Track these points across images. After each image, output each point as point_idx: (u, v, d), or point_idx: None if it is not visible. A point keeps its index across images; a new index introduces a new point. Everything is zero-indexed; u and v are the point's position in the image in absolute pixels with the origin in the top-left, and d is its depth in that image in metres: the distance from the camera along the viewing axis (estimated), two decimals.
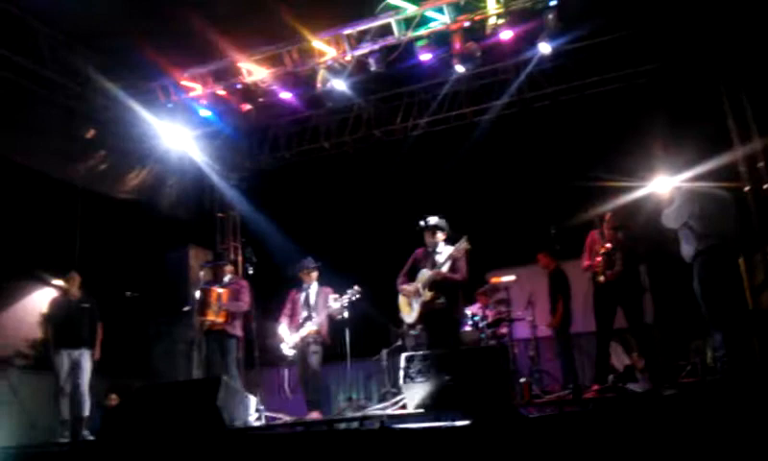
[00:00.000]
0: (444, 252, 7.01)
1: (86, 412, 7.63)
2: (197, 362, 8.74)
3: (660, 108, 8.72)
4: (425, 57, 8.24)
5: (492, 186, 9.76)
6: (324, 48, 8.33)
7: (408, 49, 8.22)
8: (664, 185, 7.08)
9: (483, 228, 8.39)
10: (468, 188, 9.78)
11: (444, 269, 6.91)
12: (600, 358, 6.80)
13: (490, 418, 5.63)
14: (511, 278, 8.57)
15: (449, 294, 6.94)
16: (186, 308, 8.28)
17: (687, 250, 6.22)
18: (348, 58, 8.32)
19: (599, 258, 6.80)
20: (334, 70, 8.37)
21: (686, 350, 7.96)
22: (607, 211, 7.08)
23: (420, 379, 6.08)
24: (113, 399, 8.59)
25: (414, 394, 6.13)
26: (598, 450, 4.49)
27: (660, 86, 8.80)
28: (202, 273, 8.30)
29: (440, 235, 7.10)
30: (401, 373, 6.50)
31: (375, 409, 7.58)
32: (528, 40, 8.09)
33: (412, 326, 7.64)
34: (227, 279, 8.04)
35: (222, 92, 8.90)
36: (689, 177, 6.66)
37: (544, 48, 7.94)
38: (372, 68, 8.24)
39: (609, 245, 6.79)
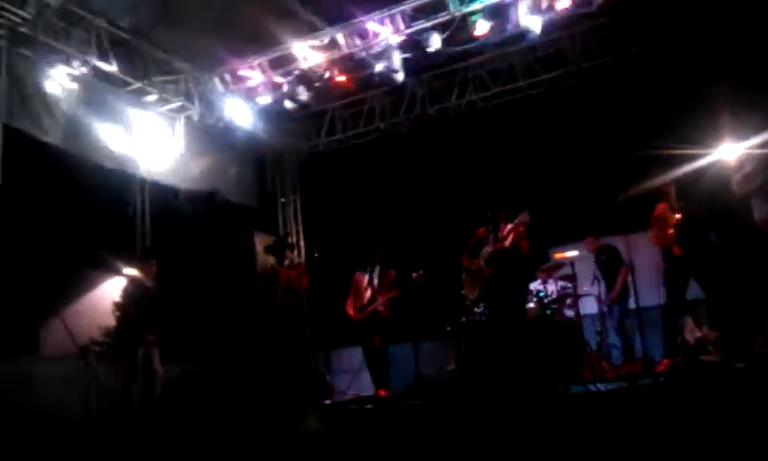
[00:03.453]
0: (506, 229, 7.00)
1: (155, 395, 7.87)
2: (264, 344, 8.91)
3: (727, 71, 8.41)
4: (480, 31, 8.16)
5: (552, 161, 9.60)
6: (378, 28, 8.32)
7: (462, 24, 8.14)
8: (731, 152, 6.88)
9: (545, 203, 8.31)
10: (528, 163, 9.65)
11: (506, 244, 6.90)
12: (670, 332, 6.65)
13: (557, 394, 5.63)
14: (574, 253, 8.46)
15: (512, 269, 6.93)
16: (255, 289, 8.44)
17: (761, 215, 6.04)
18: (403, 37, 8.31)
19: (671, 230, 6.57)
20: (389, 50, 8.37)
21: (759, 321, 7.72)
22: (668, 181, 6.85)
23: (484, 355, 6.11)
24: None
25: (478, 370, 6.17)
26: (671, 422, 4.46)
27: (727, 49, 8.49)
28: (268, 257, 8.50)
29: (502, 214, 7.09)
30: (466, 350, 6.54)
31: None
32: (584, 8, 7.93)
33: (475, 302, 7.66)
34: (286, 262, 8.22)
35: (279, 79, 9.02)
36: (759, 142, 6.45)
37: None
38: (431, 49, 8.20)
39: (679, 216, 6.56)
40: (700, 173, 7.14)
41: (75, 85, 8.14)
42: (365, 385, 8.21)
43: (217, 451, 5.53)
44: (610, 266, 8.25)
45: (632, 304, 7.81)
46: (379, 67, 8.66)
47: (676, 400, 4.84)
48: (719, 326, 6.80)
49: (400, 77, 8.79)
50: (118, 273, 9.02)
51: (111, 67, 8.23)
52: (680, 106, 8.70)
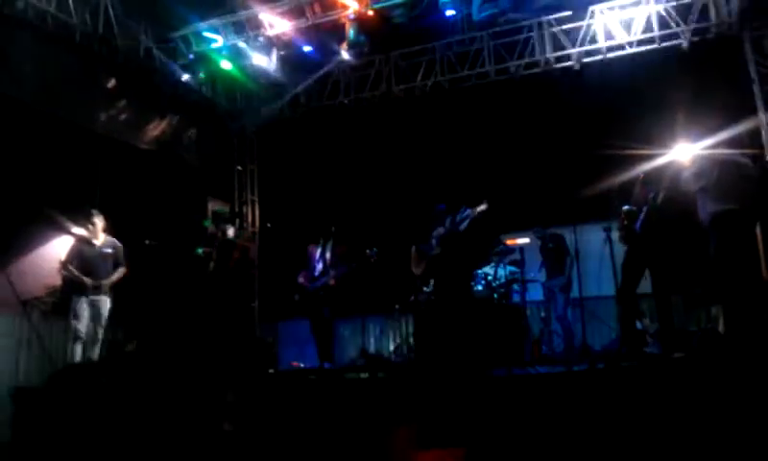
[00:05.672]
0: (463, 213, 7.07)
1: (96, 357, 7.76)
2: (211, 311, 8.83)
3: (683, 73, 8.57)
4: (450, 12, 8.15)
5: (511, 148, 9.68)
6: (346, 0, 8.25)
7: (432, 4, 8.12)
8: (686, 153, 6.99)
9: (500, 189, 8.39)
10: (487, 149, 9.71)
11: (461, 228, 6.97)
12: (628, 317, 6.69)
13: (497, 372, 5.72)
14: (525, 240, 8.58)
15: (462, 252, 7.00)
16: (200, 252, 8.31)
17: (704, 214, 6.17)
18: (371, 12, 8.25)
19: (622, 217, 6.68)
20: (356, 23, 8.32)
21: (697, 316, 7.94)
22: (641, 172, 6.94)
23: (430, 333, 6.18)
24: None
25: (425, 346, 6.23)
26: (604, 407, 4.58)
27: (684, 52, 8.65)
28: (215, 226, 8.37)
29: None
30: (413, 325, 6.59)
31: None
32: None
33: (424, 281, 7.72)
34: (230, 233, 8.06)
35: (243, 44, 8.89)
36: (711, 143, 6.57)
37: None
38: (396, 22, 8.17)
39: (626, 207, 6.69)
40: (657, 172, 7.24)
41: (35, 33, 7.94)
42: (311, 357, 8.21)
43: (154, 416, 5.49)
44: (556, 254, 8.38)
45: (575, 293, 7.95)
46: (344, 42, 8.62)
47: (612, 386, 4.95)
48: (661, 318, 6.93)
49: (365, 50, 8.73)
50: (66, 231, 8.84)
51: (72, 19, 8.05)
52: (639, 104, 8.84)
